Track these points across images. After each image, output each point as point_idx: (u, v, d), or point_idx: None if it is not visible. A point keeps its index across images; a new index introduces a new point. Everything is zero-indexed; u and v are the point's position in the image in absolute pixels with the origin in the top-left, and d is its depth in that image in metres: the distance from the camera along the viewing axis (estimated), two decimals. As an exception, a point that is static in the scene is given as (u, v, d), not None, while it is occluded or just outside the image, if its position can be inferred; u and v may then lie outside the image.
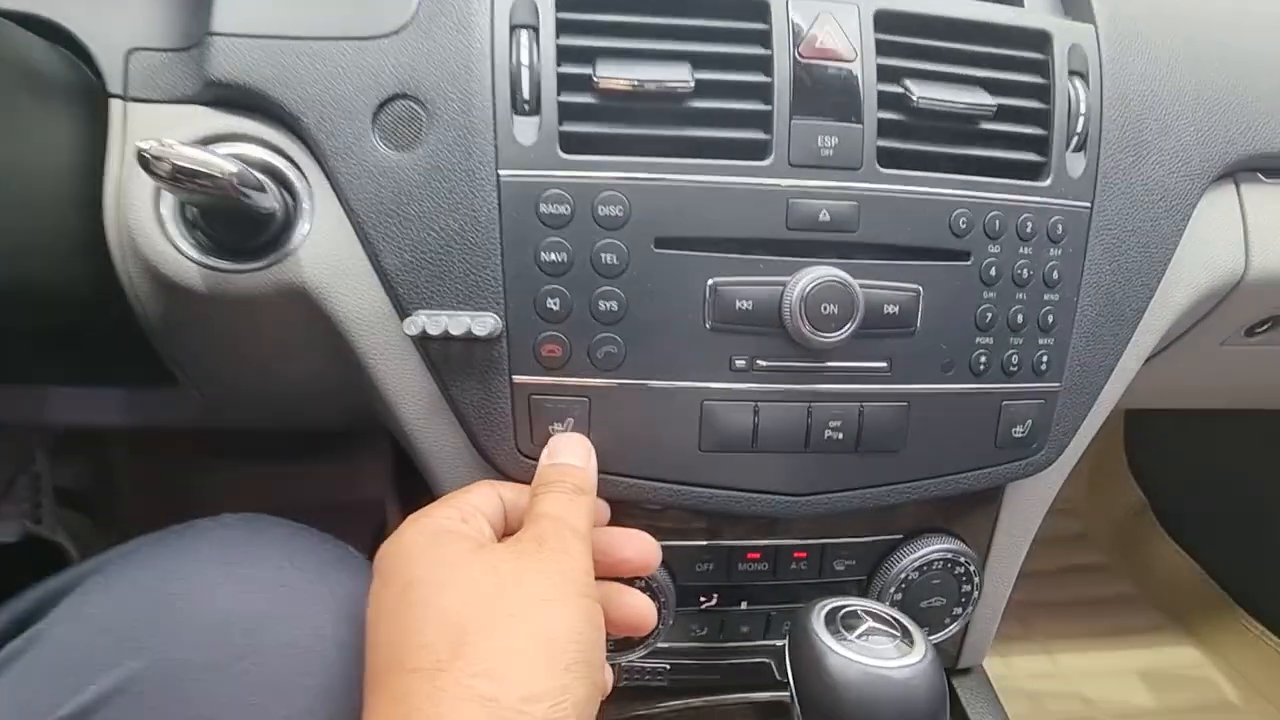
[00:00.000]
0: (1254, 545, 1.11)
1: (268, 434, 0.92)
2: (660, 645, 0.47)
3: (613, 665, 0.48)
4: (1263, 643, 1.08)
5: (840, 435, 0.40)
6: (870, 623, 0.33)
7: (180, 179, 0.32)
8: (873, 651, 0.31)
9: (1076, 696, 1.04)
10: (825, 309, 0.37)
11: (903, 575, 0.46)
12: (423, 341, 0.39)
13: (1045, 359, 0.43)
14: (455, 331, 0.36)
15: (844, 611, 0.33)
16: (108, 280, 0.41)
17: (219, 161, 0.32)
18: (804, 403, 0.40)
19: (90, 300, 0.44)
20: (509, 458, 0.40)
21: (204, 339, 0.44)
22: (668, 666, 0.50)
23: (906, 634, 0.32)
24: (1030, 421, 0.43)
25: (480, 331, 0.37)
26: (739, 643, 0.48)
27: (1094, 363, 0.44)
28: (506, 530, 0.36)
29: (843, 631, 0.32)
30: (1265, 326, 0.54)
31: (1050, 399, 0.43)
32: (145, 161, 0.31)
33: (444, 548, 0.31)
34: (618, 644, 0.45)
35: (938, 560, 0.46)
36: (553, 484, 0.35)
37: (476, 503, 0.35)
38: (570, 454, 0.37)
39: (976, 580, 0.47)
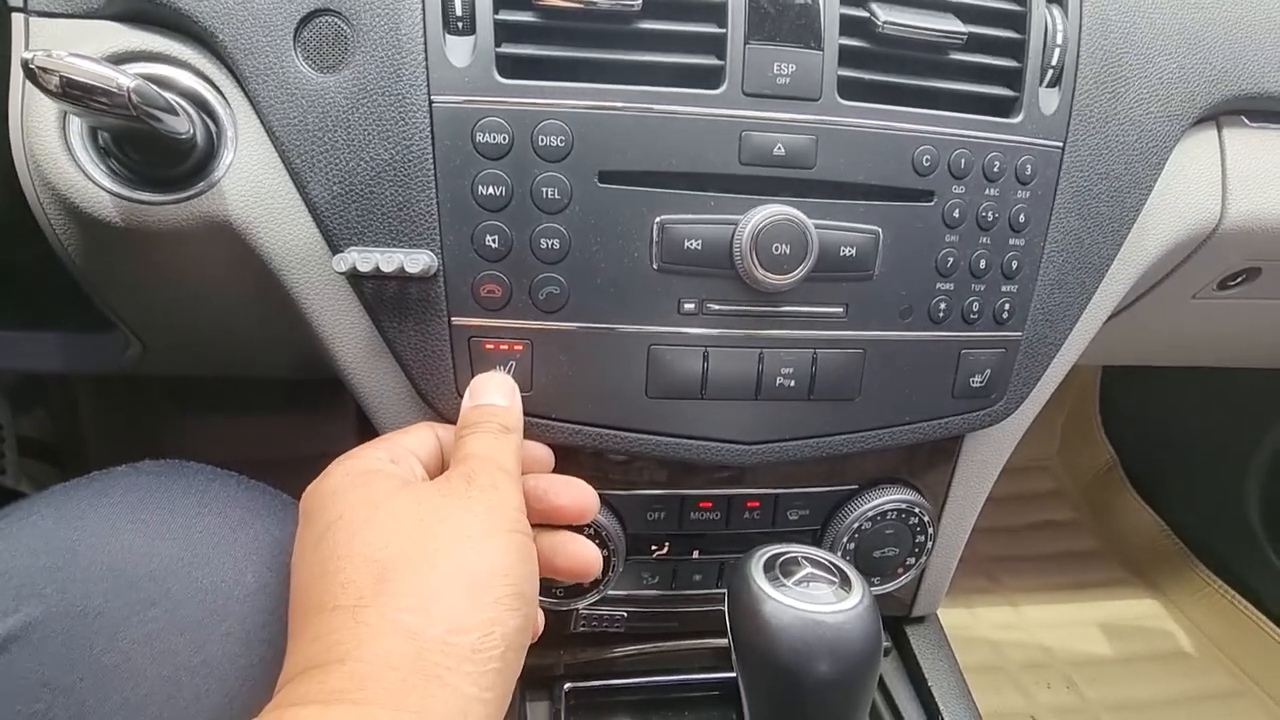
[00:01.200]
0: (1214, 502, 1.13)
1: (238, 382, 0.90)
2: (614, 593, 0.47)
3: (569, 612, 0.48)
4: (1218, 595, 1.11)
5: (792, 383, 0.39)
6: (808, 569, 0.32)
7: (73, 94, 0.29)
8: (808, 597, 0.30)
9: (1036, 646, 1.07)
10: (777, 249, 0.36)
11: (855, 525, 0.45)
12: (355, 280, 0.37)
13: (1008, 307, 0.41)
14: (387, 269, 0.34)
15: (784, 558, 0.33)
16: (23, 212, 0.38)
17: (112, 74, 0.29)
18: (755, 348, 0.39)
19: (8, 235, 0.41)
20: (449, 402, 0.38)
21: (129, 277, 0.42)
22: (625, 614, 0.50)
23: (845, 580, 0.32)
24: (989, 371, 0.42)
25: (413, 269, 0.35)
26: (692, 591, 0.48)
27: (1058, 312, 0.43)
28: (442, 465, 0.35)
29: (780, 578, 0.32)
30: (1240, 279, 0.53)
31: (1011, 348, 0.42)
32: (32, 74, 0.28)
33: (369, 487, 0.30)
34: (568, 590, 0.45)
35: (891, 511, 0.46)
36: (478, 424, 0.33)
37: (409, 444, 0.34)
38: (494, 394, 0.35)
39: (931, 531, 0.47)
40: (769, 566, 0.32)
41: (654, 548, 0.46)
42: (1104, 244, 0.43)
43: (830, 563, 0.33)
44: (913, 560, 0.48)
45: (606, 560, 0.44)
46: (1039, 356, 0.43)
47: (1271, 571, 1.05)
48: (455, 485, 0.30)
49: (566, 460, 0.42)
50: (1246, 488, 1.08)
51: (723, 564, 0.47)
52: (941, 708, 0.49)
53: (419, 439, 0.35)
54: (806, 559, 0.33)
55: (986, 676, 1.01)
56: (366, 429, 0.45)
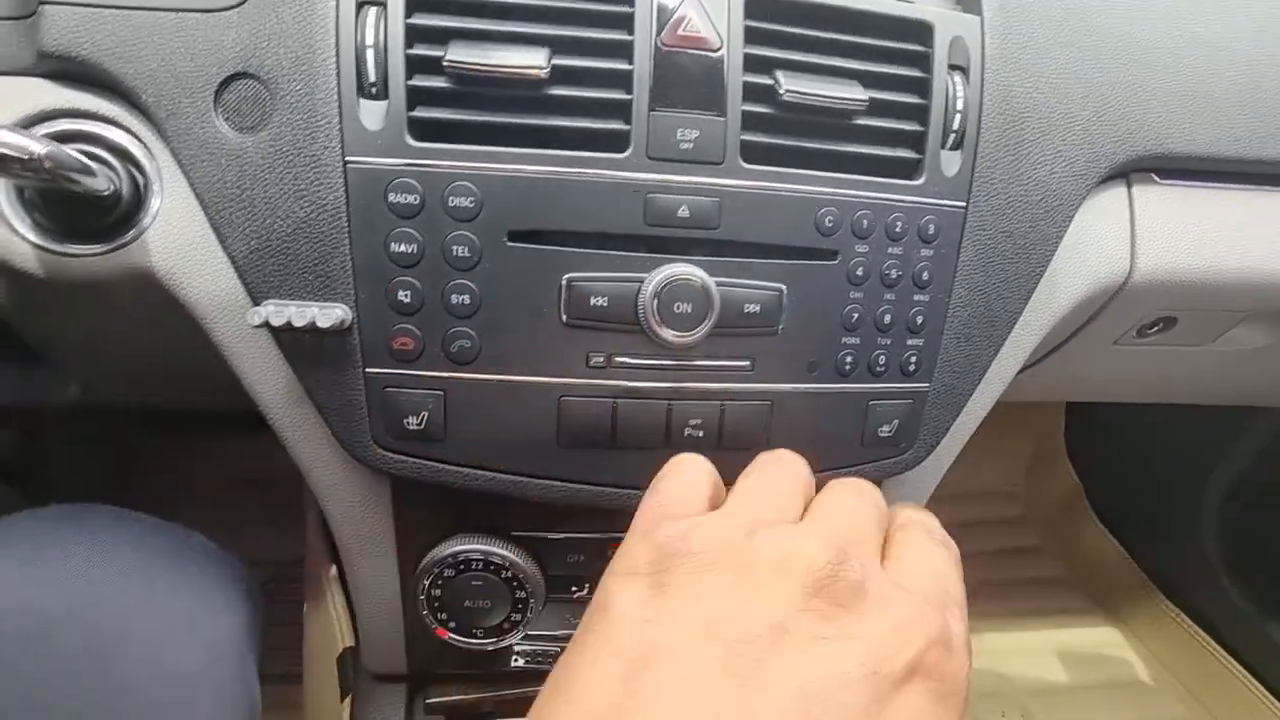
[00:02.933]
0: (1174, 531, 1.14)
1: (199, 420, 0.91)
2: (535, 633, 0.48)
3: (501, 651, 0.49)
4: (1176, 624, 1.12)
5: (701, 433, 0.40)
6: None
7: (-12, 161, 0.30)
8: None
9: (993, 674, 1.07)
10: (679, 308, 0.37)
11: (773, 568, 0.46)
12: (274, 331, 0.38)
13: (914, 359, 0.42)
14: (299, 323, 0.36)
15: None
16: None
17: (25, 142, 0.30)
18: (663, 400, 0.40)
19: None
20: (365, 449, 0.39)
21: (59, 325, 0.43)
22: (558, 650, 0.51)
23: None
24: (898, 421, 0.43)
25: (325, 324, 0.36)
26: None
27: (966, 364, 0.44)
28: None
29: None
30: (1156, 328, 0.55)
31: (919, 399, 0.43)
32: (-53, 143, 0.30)
33: None
34: (488, 631, 0.45)
35: (808, 554, 0.46)
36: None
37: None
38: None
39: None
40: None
41: (574, 589, 0.47)
42: (1010, 298, 0.44)
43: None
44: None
45: (525, 600, 0.44)
46: (948, 406, 0.45)
47: (1228, 601, 1.06)
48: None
49: (482, 506, 0.43)
50: (1204, 517, 1.09)
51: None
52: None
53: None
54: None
55: (944, 705, 1.01)
56: None
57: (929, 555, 0.26)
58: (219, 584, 0.38)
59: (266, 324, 0.36)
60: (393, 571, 0.45)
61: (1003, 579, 1.23)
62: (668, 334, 0.37)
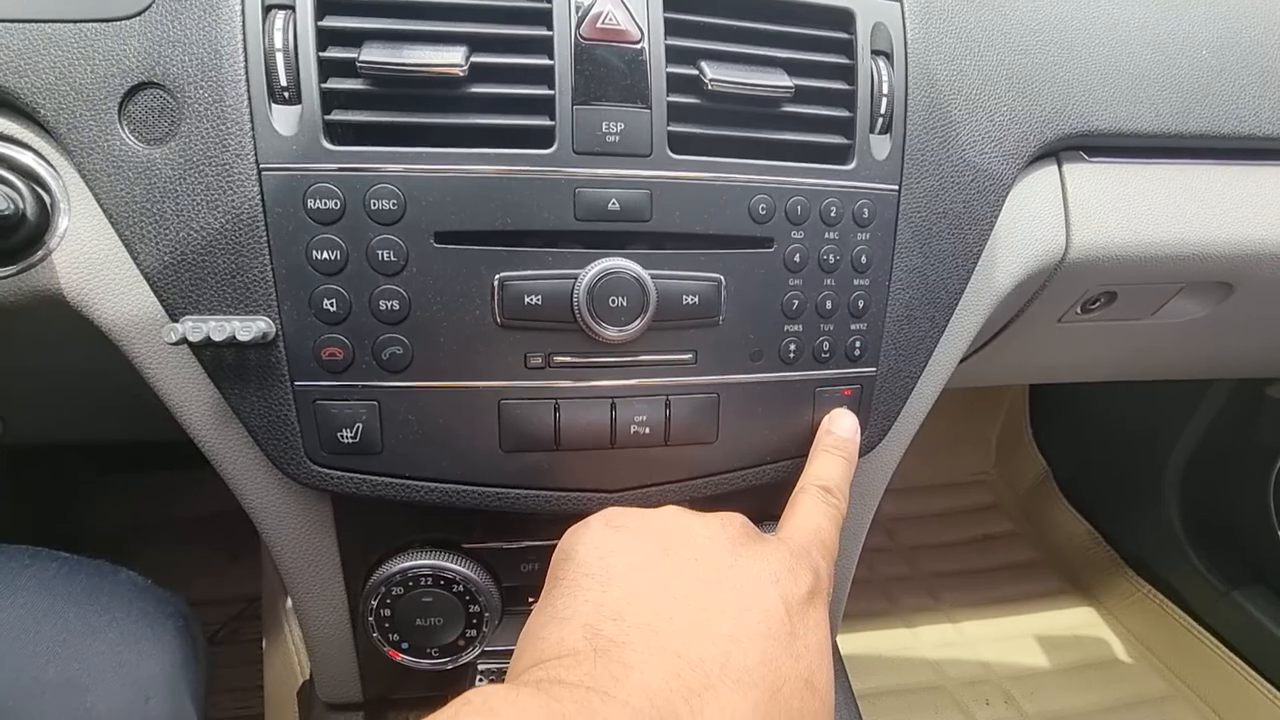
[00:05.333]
0: (1138, 508, 1.16)
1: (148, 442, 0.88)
2: (498, 648, 0.46)
3: (461, 669, 0.47)
4: (1148, 600, 1.13)
5: (647, 430, 0.40)
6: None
7: None
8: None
9: (976, 662, 1.07)
10: (614, 302, 0.36)
11: (733, 565, 0.45)
12: (195, 348, 0.36)
13: (858, 345, 0.42)
14: (218, 338, 0.34)
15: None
16: None
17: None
18: (606, 398, 0.39)
19: None
20: (299, 466, 0.38)
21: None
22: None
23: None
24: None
25: (245, 336, 0.34)
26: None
27: (911, 347, 0.44)
28: None
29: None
30: (1099, 302, 0.56)
31: (867, 384, 0.43)
32: None
33: None
34: (443, 650, 0.44)
35: (767, 548, 0.46)
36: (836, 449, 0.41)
37: None
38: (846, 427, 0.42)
39: (810, 565, 0.47)
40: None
41: (530, 599, 0.45)
42: (950, 279, 0.44)
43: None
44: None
45: (479, 614, 0.43)
46: (896, 390, 0.44)
47: (1194, 574, 1.08)
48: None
49: (429, 518, 0.42)
50: (1165, 491, 1.11)
51: (606, 611, 0.47)
52: None
53: None
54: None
55: (928, 697, 1.01)
56: None
57: (809, 513, 0.37)
58: (147, 620, 0.36)
59: (184, 340, 0.34)
60: (340, 594, 0.43)
61: (979, 566, 1.24)
62: (605, 330, 0.36)
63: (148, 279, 0.36)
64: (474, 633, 0.43)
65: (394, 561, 0.42)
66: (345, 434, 0.37)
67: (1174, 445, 1.10)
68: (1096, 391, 1.27)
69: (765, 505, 0.47)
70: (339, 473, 0.38)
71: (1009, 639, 1.11)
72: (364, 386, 0.37)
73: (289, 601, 0.67)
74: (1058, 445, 1.34)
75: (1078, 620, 1.15)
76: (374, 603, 0.42)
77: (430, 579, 0.42)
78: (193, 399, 0.38)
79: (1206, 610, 1.05)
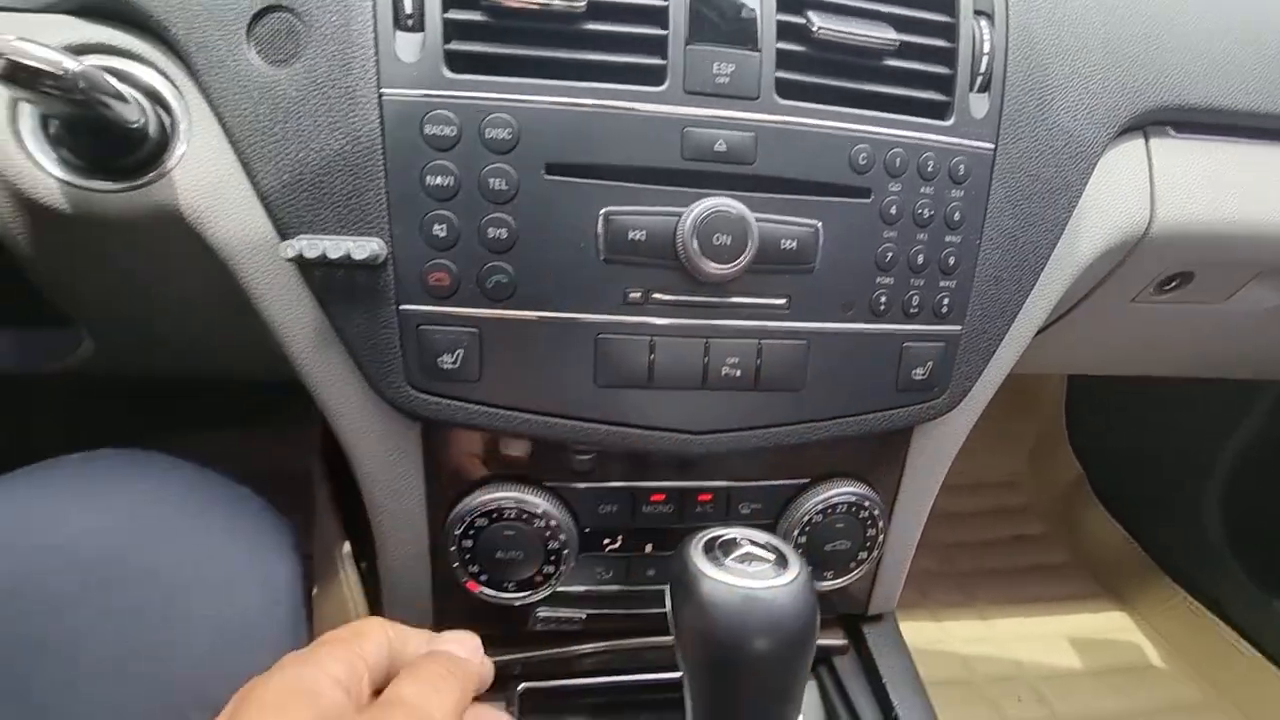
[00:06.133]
0: (1178, 515, 1.14)
1: (193, 395, 0.89)
2: (568, 590, 0.47)
3: (525, 611, 0.48)
4: (1185, 608, 1.12)
5: (738, 373, 0.40)
6: (746, 548, 0.32)
7: (21, 78, 0.30)
8: (745, 574, 0.31)
9: (1007, 659, 1.07)
10: (718, 239, 0.37)
11: (806, 518, 0.46)
12: (305, 268, 0.37)
13: (946, 301, 0.43)
14: (333, 255, 0.35)
15: (723, 539, 0.33)
16: None
17: (59, 58, 0.30)
18: (701, 338, 0.39)
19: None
20: (399, 391, 0.39)
21: (81, 270, 0.42)
22: (582, 616, 0.50)
23: (781, 558, 0.32)
24: (931, 364, 0.43)
25: (360, 255, 0.35)
26: (646, 586, 0.48)
27: (996, 308, 0.44)
28: (388, 675, 0.30)
29: (719, 557, 0.32)
30: (1175, 283, 0.55)
31: (951, 342, 0.43)
32: (-20, 58, 0.29)
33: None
34: (519, 584, 0.44)
35: (841, 504, 0.46)
36: (418, 669, 0.29)
37: (367, 656, 0.29)
38: (452, 644, 0.33)
39: (881, 525, 0.48)
40: (709, 548, 0.33)
41: (607, 541, 0.46)
42: (1039, 243, 0.44)
43: (768, 543, 0.33)
44: (864, 554, 0.48)
45: (558, 552, 0.44)
46: (979, 350, 0.45)
47: (1235, 582, 1.06)
48: None
49: (514, 454, 0.43)
50: (1207, 500, 1.10)
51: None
52: (897, 705, 0.49)
53: (375, 647, 0.30)
54: (745, 539, 0.33)
55: (956, 690, 1.01)
56: (332, 444, 0.45)
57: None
58: (274, 531, 0.37)
59: (300, 257, 0.35)
60: (422, 524, 0.44)
61: (1010, 567, 1.23)
62: (707, 266, 0.37)
63: (264, 199, 0.37)
64: (551, 569, 0.44)
65: (480, 493, 0.43)
66: (446, 360, 0.38)
67: (1218, 452, 1.09)
68: (1137, 395, 1.26)
69: (849, 459, 0.48)
70: (436, 399, 0.39)
71: (1040, 639, 1.10)
72: (467, 314, 0.38)
73: (345, 546, 0.68)
74: (1094, 449, 1.33)
75: (1111, 624, 1.14)
76: (457, 533, 0.43)
77: (514, 513, 0.42)
78: (297, 321, 0.39)
79: (1246, 619, 1.04)
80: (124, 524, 0.32)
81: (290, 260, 0.35)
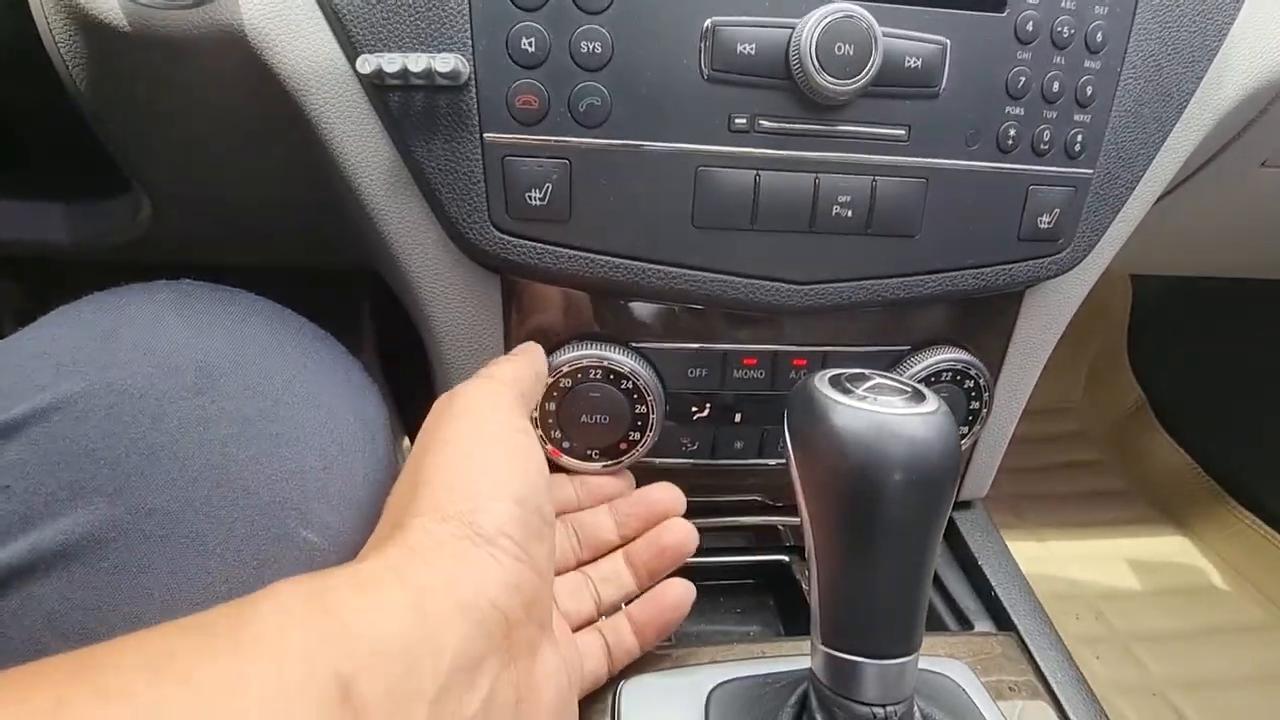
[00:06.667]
0: (1248, 437, 1.10)
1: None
2: (651, 461, 0.45)
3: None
4: (1251, 531, 1.08)
5: (849, 213, 0.36)
6: (878, 380, 0.30)
7: None
8: (881, 403, 0.28)
9: (1064, 579, 1.05)
10: (840, 49, 0.33)
11: (909, 386, 0.43)
12: (379, 93, 0.34)
13: (1080, 138, 0.38)
14: (415, 69, 0.32)
15: (849, 375, 0.30)
16: (30, 41, 0.36)
17: None
18: (810, 172, 0.36)
19: (12, 70, 0.39)
20: (482, 231, 0.36)
21: (139, 103, 0.39)
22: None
23: (917, 393, 0.29)
24: (1058, 211, 0.39)
25: (443, 68, 0.32)
26: (732, 461, 0.45)
27: (1132, 150, 0.40)
28: None
29: (849, 387, 0.29)
30: (1313, 142, 0.50)
31: (1082, 187, 0.39)
32: None
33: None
34: (604, 452, 0.42)
35: (946, 371, 0.43)
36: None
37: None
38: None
39: (986, 397, 0.44)
40: (834, 382, 0.30)
41: (694, 409, 0.43)
42: (1183, 76, 0.39)
43: (899, 379, 0.30)
44: (966, 429, 0.45)
45: (645, 416, 0.41)
46: (1109, 199, 0.40)
47: (1306, 504, 1.02)
48: None
49: (598, 311, 0.40)
50: (1275, 420, 1.05)
51: (764, 432, 0.45)
52: (995, 585, 0.47)
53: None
54: (875, 374, 0.30)
55: (1013, 608, 0.99)
56: (383, 343, 0.43)
57: None
58: (360, 371, 0.36)
59: (379, 73, 0.32)
60: (500, 388, 0.42)
61: (1065, 491, 1.20)
62: (825, 82, 0.33)
63: (335, 13, 0.33)
64: (637, 435, 0.42)
65: (563, 352, 0.40)
66: (534, 195, 0.35)
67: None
68: (1200, 316, 1.20)
69: (954, 324, 0.44)
70: (524, 241, 0.36)
71: (1098, 560, 1.08)
72: (557, 142, 0.34)
73: (404, 443, 0.67)
74: (1156, 373, 1.27)
75: (1171, 548, 1.11)
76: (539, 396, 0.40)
77: (600, 372, 0.40)
78: (368, 158, 0.36)
79: (1319, 540, 1.00)
80: (218, 335, 0.30)
81: (367, 76, 0.32)
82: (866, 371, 0.31)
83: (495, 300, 0.40)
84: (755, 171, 0.35)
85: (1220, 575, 1.07)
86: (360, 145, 0.36)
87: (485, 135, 0.34)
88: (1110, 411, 1.31)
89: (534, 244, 0.36)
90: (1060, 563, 1.07)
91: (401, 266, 0.39)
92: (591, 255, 0.36)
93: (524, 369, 0.35)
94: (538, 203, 0.35)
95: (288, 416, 0.29)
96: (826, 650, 0.29)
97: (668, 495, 0.40)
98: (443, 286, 0.40)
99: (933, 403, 0.28)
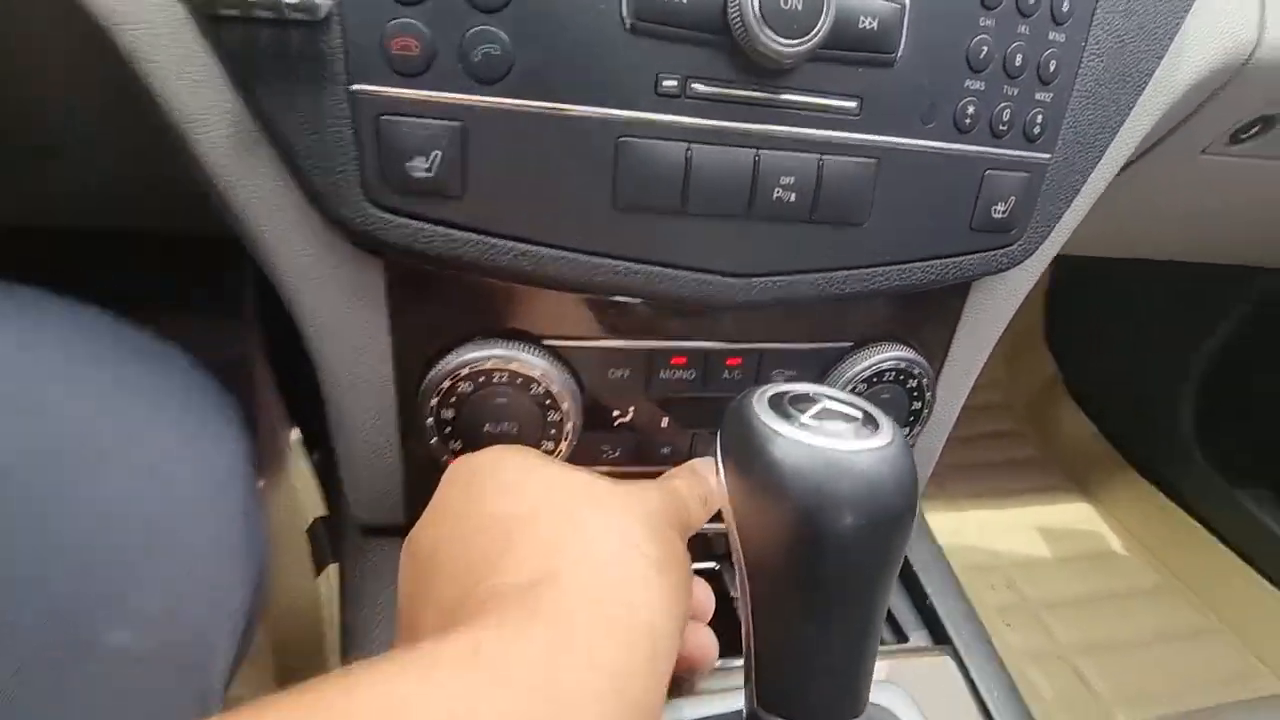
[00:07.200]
0: (1152, 414, 1.15)
1: (98, 261, 0.76)
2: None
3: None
4: (1148, 499, 1.15)
5: (793, 196, 0.32)
6: (825, 404, 0.26)
7: None
8: (828, 433, 0.24)
9: (981, 550, 1.08)
10: (787, 3, 0.27)
11: (850, 389, 0.39)
12: (212, 25, 0.26)
13: (1040, 119, 0.35)
14: (255, -4, 0.24)
15: (792, 395, 0.26)
16: None
17: None
18: (750, 147, 0.31)
19: None
20: (355, 207, 0.29)
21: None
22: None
23: (869, 418, 0.25)
24: (1014, 199, 0.36)
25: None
26: (658, 466, 0.41)
27: (1090, 133, 0.37)
28: None
29: (793, 413, 0.25)
30: (1255, 130, 0.49)
31: (1037, 174, 0.36)
32: None
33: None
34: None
35: (890, 371, 0.40)
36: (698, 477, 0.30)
37: None
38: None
39: (928, 397, 0.42)
40: (775, 403, 0.26)
41: (616, 414, 0.39)
42: (1146, 53, 0.36)
43: (848, 400, 0.26)
44: (906, 431, 0.43)
45: (559, 424, 0.36)
46: (1064, 187, 0.37)
47: (1200, 474, 1.08)
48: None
49: (502, 303, 0.34)
50: (1182, 394, 1.11)
51: (693, 436, 0.41)
52: (932, 597, 0.45)
53: None
54: (821, 395, 0.26)
55: (934, 580, 1.02)
56: (268, 315, 0.36)
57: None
58: (211, 409, 0.29)
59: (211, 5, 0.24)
60: (388, 392, 0.36)
61: (984, 461, 1.24)
62: (769, 41, 0.28)
63: (143, -86, 0.25)
64: (551, 444, 0.37)
65: (461, 352, 0.34)
66: (418, 164, 0.28)
67: (1193, 353, 1.09)
68: (1113, 294, 1.24)
69: (897, 320, 0.41)
70: (406, 220, 0.29)
71: (1013, 529, 1.12)
72: (445, 100, 0.28)
73: (294, 433, 0.59)
74: (1070, 347, 1.32)
75: (1078, 515, 1.17)
76: (434, 402, 0.35)
77: (505, 376, 0.34)
78: (206, 107, 0.29)
79: (1209, 509, 1.07)
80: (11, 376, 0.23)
81: (197, 8, 0.25)
82: (810, 390, 0.26)
83: (377, 287, 0.34)
84: (687, 145, 0.30)
85: (1120, 542, 1.13)
86: (193, 90, 0.28)
87: (354, 88, 0.27)
88: (1027, 385, 1.36)
89: (419, 224, 0.30)
90: (977, 533, 1.10)
91: (259, 245, 0.32)
92: (490, 240, 0.30)
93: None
94: (423, 174, 0.29)
95: (94, 483, 0.22)
96: (764, 715, 0.25)
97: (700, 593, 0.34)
98: (312, 269, 0.33)
99: (886, 432, 0.24)
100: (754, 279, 0.33)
